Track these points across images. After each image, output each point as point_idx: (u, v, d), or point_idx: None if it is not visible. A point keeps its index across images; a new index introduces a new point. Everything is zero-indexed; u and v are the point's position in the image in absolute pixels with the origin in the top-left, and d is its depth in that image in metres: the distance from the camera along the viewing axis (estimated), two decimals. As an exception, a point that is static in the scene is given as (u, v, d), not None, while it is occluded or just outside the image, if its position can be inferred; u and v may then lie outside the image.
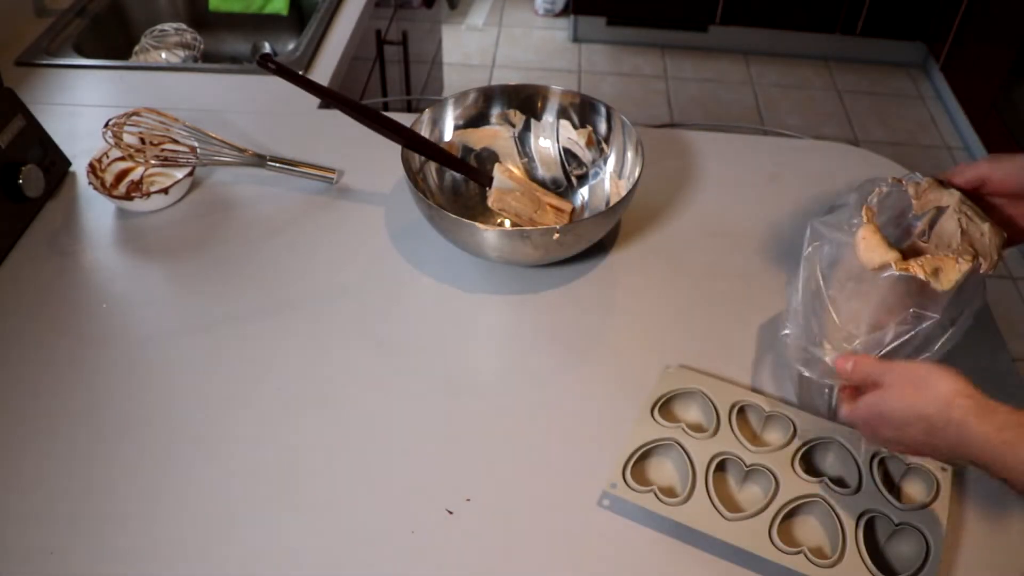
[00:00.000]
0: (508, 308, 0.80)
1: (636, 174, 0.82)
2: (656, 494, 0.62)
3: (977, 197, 0.70)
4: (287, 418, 0.70)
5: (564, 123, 0.91)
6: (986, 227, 0.65)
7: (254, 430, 0.69)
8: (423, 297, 0.81)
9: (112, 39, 1.33)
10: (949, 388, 0.54)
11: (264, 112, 1.06)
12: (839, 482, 0.64)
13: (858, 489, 0.63)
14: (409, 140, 0.82)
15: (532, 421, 0.70)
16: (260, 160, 0.92)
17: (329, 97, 0.82)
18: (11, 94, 0.89)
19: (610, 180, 0.89)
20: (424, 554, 0.61)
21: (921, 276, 0.61)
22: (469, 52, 2.90)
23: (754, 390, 0.72)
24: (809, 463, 0.66)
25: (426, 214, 0.80)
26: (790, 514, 0.62)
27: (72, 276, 0.83)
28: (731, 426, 0.67)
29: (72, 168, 0.95)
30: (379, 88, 1.54)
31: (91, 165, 0.90)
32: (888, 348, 0.62)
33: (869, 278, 0.63)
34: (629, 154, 0.86)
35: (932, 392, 0.54)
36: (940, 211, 0.66)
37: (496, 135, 0.92)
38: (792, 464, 0.64)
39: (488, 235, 0.77)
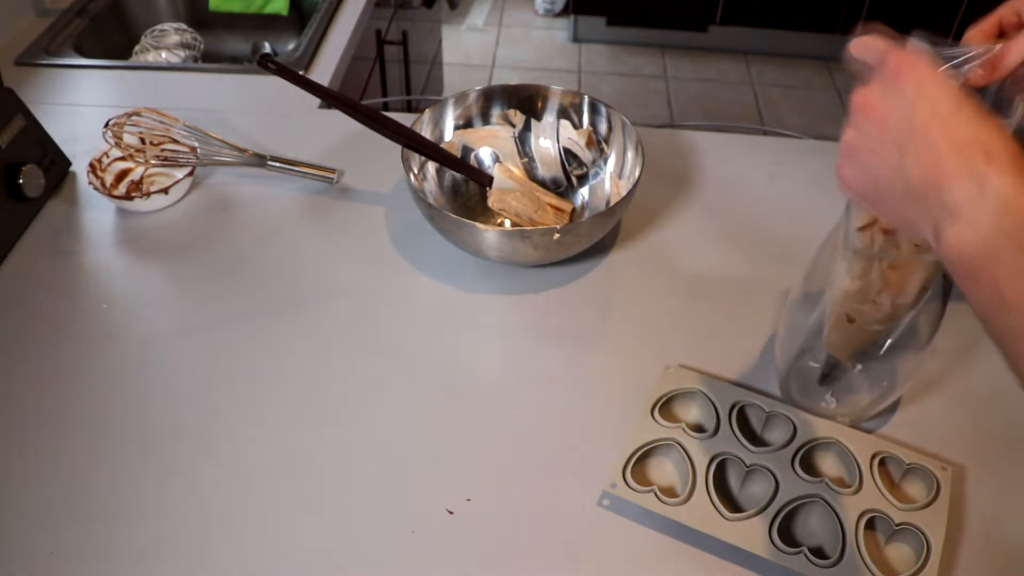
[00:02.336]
0: (508, 308, 0.80)
1: (636, 174, 0.82)
2: (656, 494, 0.62)
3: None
4: (286, 418, 0.70)
5: (564, 123, 0.91)
6: None
7: (253, 430, 0.69)
8: (423, 297, 0.81)
9: (112, 39, 1.33)
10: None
11: (264, 112, 1.06)
12: (839, 482, 0.64)
13: (858, 489, 0.63)
14: (409, 140, 0.82)
15: (532, 421, 0.70)
16: (260, 160, 0.92)
17: (329, 97, 0.82)
18: (11, 94, 0.89)
19: (610, 180, 0.89)
20: (424, 554, 0.61)
21: None
22: (469, 52, 2.90)
23: (754, 390, 0.71)
24: (809, 463, 0.66)
25: (426, 214, 0.80)
26: (790, 514, 0.62)
27: (72, 276, 0.83)
28: (731, 426, 0.67)
29: (72, 168, 0.95)
30: (379, 88, 1.54)
31: (91, 165, 0.90)
32: None
33: None
34: (629, 154, 0.86)
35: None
36: None
37: (496, 135, 0.92)
38: (792, 464, 0.64)
39: (488, 235, 0.77)
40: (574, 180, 0.92)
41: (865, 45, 0.48)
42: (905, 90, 0.43)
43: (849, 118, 0.46)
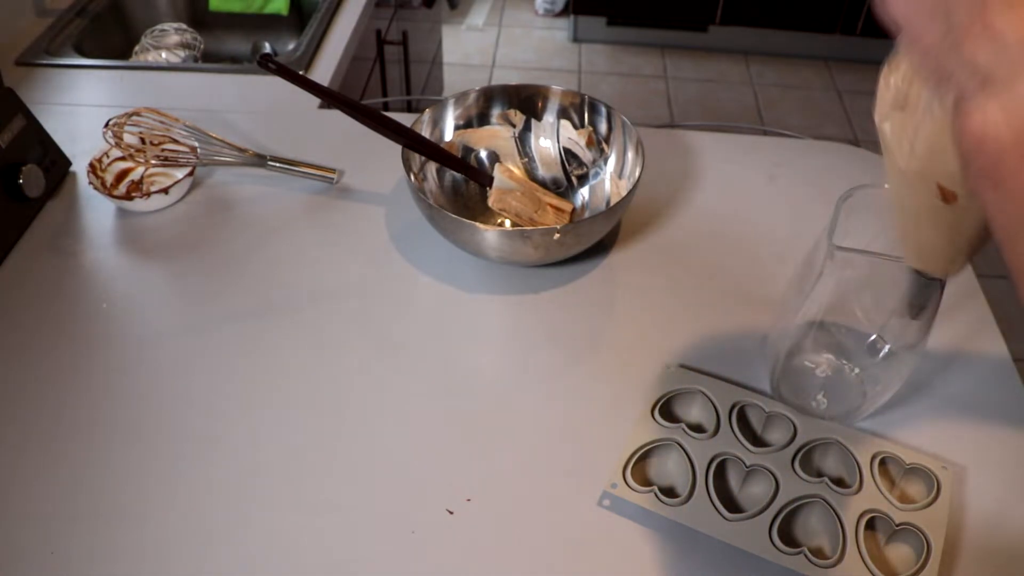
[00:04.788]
0: (508, 308, 0.80)
1: (636, 174, 0.82)
2: (656, 494, 0.62)
3: None
4: (287, 418, 0.70)
5: (564, 123, 0.91)
6: None
7: (253, 430, 0.69)
8: (423, 297, 0.81)
9: (112, 39, 1.33)
10: None
11: (264, 112, 1.06)
12: (839, 482, 0.64)
13: (858, 489, 0.63)
14: (409, 140, 0.82)
15: (532, 421, 0.70)
16: (260, 160, 0.92)
17: (329, 97, 0.82)
18: (11, 94, 0.89)
19: (610, 180, 0.89)
20: (424, 554, 0.61)
21: None
22: (469, 52, 2.90)
23: (754, 390, 0.71)
24: (809, 463, 0.66)
25: (426, 214, 0.80)
26: (790, 514, 0.62)
27: (72, 276, 0.83)
28: (731, 426, 0.67)
29: (72, 168, 0.95)
30: (379, 88, 1.54)
31: (91, 165, 0.90)
32: None
33: None
34: (629, 154, 0.86)
35: None
36: None
37: (496, 135, 0.92)
38: (792, 464, 0.64)
39: (488, 235, 0.77)
40: (574, 180, 0.92)
41: None
42: None
43: None
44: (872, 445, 0.66)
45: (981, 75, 0.31)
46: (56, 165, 0.92)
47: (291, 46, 1.26)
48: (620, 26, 2.91)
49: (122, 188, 0.91)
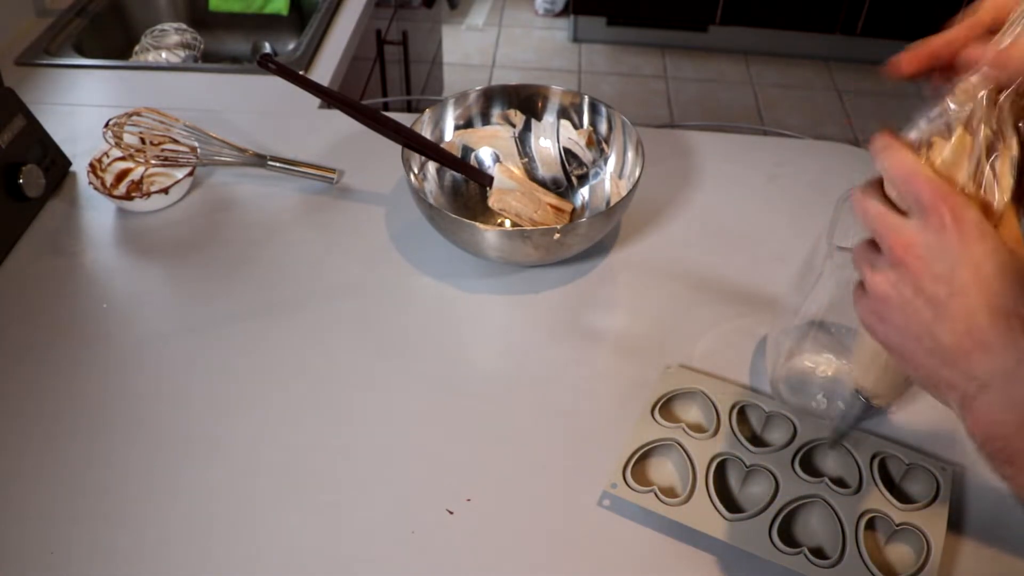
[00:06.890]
0: (508, 308, 0.80)
1: (636, 174, 0.82)
2: (656, 494, 0.62)
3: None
4: (287, 418, 0.70)
5: (564, 123, 0.91)
6: None
7: (254, 430, 0.69)
8: (423, 297, 0.81)
9: (112, 39, 1.33)
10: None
11: (264, 112, 1.06)
12: (839, 482, 0.64)
13: (858, 489, 0.63)
14: (409, 140, 0.82)
15: (532, 421, 0.70)
16: (260, 160, 0.92)
17: (329, 97, 0.83)
18: (11, 94, 0.89)
19: (610, 180, 0.89)
20: (424, 554, 0.61)
21: None
22: (469, 52, 2.90)
23: (754, 390, 0.71)
24: (809, 463, 0.66)
25: (426, 214, 0.80)
26: (790, 514, 0.62)
27: (72, 276, 0.83)
28: (731, 426, 0.67)
29: (72, 168, 0.95)
30: (379, 88, 1.54)
31: (91, 165, 0.90)
32: None
33: None
34: (629, 154, 0.86)
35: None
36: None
37: (496, 135, 0.92)
38: (792, 464, 0.64)
39: (488, 235, 0.77)
40: (574, 180, 0.92)
41: (912, 174, 0.41)
42: (950, 244, 0.40)
43: (886, 259, 0.42)
44: (872, 445, 0.66)
45: (979, 381, 0.39)
46: (56, 165, 0.92)
47: (291, 46, 1.26)
48: (620, 26, 2.91)
49: (122, 188, 0.91)
